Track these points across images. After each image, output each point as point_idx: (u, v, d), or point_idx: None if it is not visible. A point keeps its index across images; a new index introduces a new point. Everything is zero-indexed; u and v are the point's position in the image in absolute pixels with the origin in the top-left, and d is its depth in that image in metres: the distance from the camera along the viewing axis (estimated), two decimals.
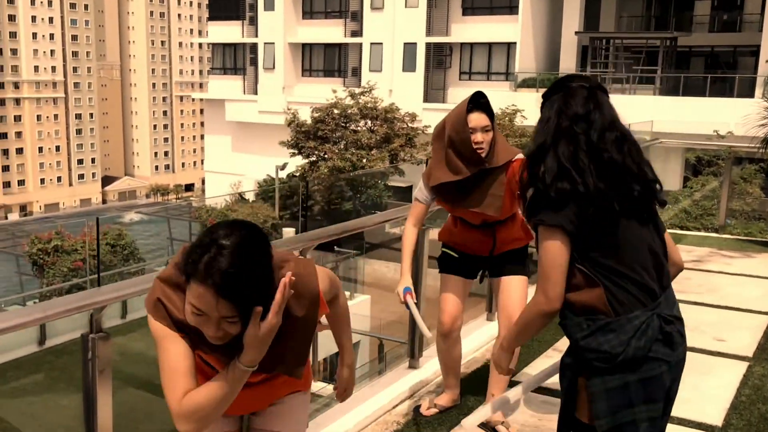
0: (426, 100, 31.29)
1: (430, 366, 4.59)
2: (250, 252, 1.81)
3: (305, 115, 26.27)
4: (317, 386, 10.62)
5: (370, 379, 5.04)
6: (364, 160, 24.65)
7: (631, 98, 27.34)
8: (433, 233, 4.43)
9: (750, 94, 26.16)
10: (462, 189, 3.49)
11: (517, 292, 3.71)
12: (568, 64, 29.96)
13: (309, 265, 2.10)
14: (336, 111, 25.58)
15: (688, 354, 4.72)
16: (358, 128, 25.55)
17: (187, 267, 1.84)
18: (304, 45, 36.29)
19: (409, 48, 31.81)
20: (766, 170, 19.09)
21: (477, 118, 3.39)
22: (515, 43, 29.67)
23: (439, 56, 31.91)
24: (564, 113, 2.25)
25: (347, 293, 14.45)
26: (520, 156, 3.49)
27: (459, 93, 30.55)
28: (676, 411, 3.98)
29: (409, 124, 25.72)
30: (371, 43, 33.14)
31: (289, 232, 16.90)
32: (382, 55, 32.58)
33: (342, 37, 34.78)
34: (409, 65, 31.82)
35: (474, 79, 31.31)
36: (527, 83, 28.63)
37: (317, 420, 3.90)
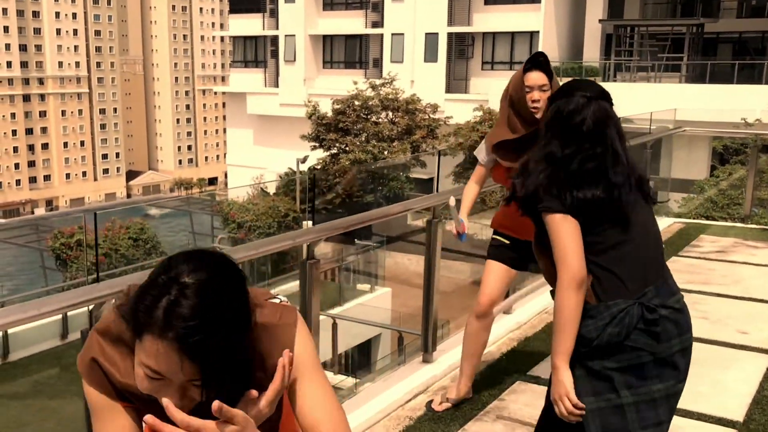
0: (448, 90, 31.12)
1: (445, 360, 4.55)
2: (221, 292, 1.36)
3: (326, 108, 26.25)
4: (336, 379, 10.65)
5: (385, 374, 5.01)
6: (386, 152, 24.58)
7: (656, 86, 27.00)
8: (450, 224, 4.37)
9: None
10: (518, 149, 3.43)
11: None
12: (591, 52, 29.65)
13: (289, 314, 1.60)
14: (357, 103, 25.52)
15: (710, 347, 4.65)
16: (380, 120, 25.47)
17: (137, 315, 1.36)
18: (324, 37, 36.26)
19: (431, 38, 31.65)
20: None
21: (534, 77, 3.40)
22: (538, 31, 29.42)
23: (461, 46, 31.72)
24: (557, 121, 2.34)
25: (368, 286, 14.43)
26: None
27: (481, 83, 30.38)
28: (696, 405, 3.92)
29: (431, 115, 25.60)
30: (392, 34, 33.01)
31: (309, 224, 16.98)
32: (404, 46, 32.45)
33: (363, 28, 34.67)
34: (430, 56, 31.66)
35: (497, 68, 31.10)
36: None
37: None
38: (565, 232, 2.20)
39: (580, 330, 2.20)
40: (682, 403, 3.93)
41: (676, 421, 3.76)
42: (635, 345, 2.19)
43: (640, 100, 20.44)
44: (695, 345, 4.69)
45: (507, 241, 3.71)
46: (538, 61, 3.43)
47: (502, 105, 3.61)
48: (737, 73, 27.85)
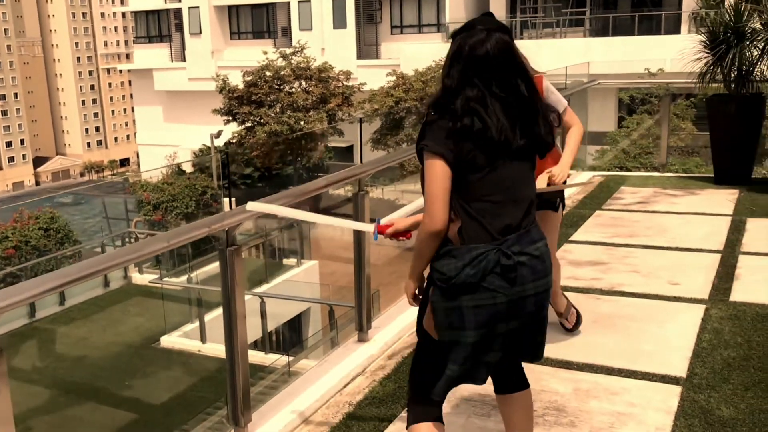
0: (359, 57, 30.66)
1: (380, 338, 4.33)
2: None
3: (237, 80, 25.45)
4: (269, 358, 10.36)
5: (320, 357, 4.75)
6: (302, 123, 24.05)
7: (562, 42, 27.27)
8: (383, 193, 4.10)
9: (676, 30, 26.34)
10: None
11: (545, 225, 3.66)
12: (497, 11, 29.63)
13: None
14: (268, 73, 24.81)
15: (645, 301, 4.56)
16: (293, 90, 24.86)
17: None
18: (230, 7, 35.14)
19: (338, 4, 31.04)
20: (697, 105, 19.25)
21: None
22: None
23: (369, 11, 31.24)
24: (456, 54, 2.37)
25: (294, 260, 14.10)
26: (539, 74, 3.57)
27: (392, 48, 30.06)
28: (639, 364, 3.83)
29: (345, 83, 25.16)
30: (299, 1, 32.23)
31: (227, 202, 16.41)
32: (311, 13, 31.73)
33: None
34: (339, 22, 31.07)
35: (406, 32, 30.80)
36: None
37: (262, 410, 3.60)
38: (436, 178, 2.30)
39: (442, 268, 2.33)
40: (627, 364, 3.87)
41: (622, 382, 3.67)
42: (490, 287, 2.31)
43: (548, 56, 20.57)
44: (632, 301, 4.67)
45: None
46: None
47: None
48: (637, 25, 28.40)
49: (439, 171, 2.29)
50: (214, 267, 12.62)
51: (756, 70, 7.06)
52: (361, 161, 4.59)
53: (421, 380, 2.56)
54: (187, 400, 9.59)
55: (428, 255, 2.38)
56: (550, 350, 3.86)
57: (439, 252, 2.36)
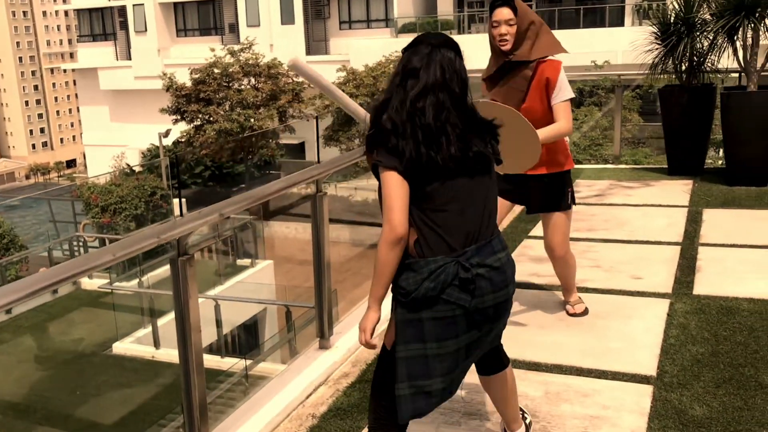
0: (309, 52, 30.35)
1: (343, 344, 4.15)
2: None
3: (185, 78, 24.91)
4: (226, 363, 10.09)
5: (279, 361, 4.55)
6: (252, 120, 23.65)
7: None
8: (336, 189, 3.92)
9: (620, 23, 26.68)
10: (495, 83, 3.76)
11: (558, 227, 3.97)
12: (445, 6, 29.64)
13: None
14: (216, 71, 24.35)
15: (609, 297, 4.47)
16: (242, 87, 24.45)
17: None
18: (176, 4, 34.46)
19: (286, 0, 30.65)
20: (643, 96, 19.46)
21: (499, 12, 3.60)
22: None
23: (317, 7, 30.93)
24: (401, 71, 2.38)
25: (248, 261, 13.80)
26: (555, 58, 3.70)
27: (341, 43, 29.81)
28: (608, 363, 3.73)
29: (295, 79, 24.82)
30: None
31: (178, 204, 15.99)
32: (259, 9, 31.27)
33: None
34: (287, 17, 30.69)
35: (355, 27, 30.60)
36: (408, 28, 28.16)
37: (221, 426, 3.39)
38: (392, 189, 2.28)
39: (401, 282, 2.35)
40: (596, 363, 3.77)
41: (592, 383, 3.56)
42: (449, 299, 2.31)
43: None
44: (596, 297, 4.57)
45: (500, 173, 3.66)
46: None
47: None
48: (582, 18, 28.67)
49: (395, 181, 2.29)
50: (165, 270, 12.28)
51: (707, 60, 7.06)
52: (318, 160, 4.40)
53: (384, 402, 2.54)
54: (142, 408, 9.27)
55: (390, 270, 2.33)
56: (519, 352, 3.75)
57: (403, 265, 2.35)
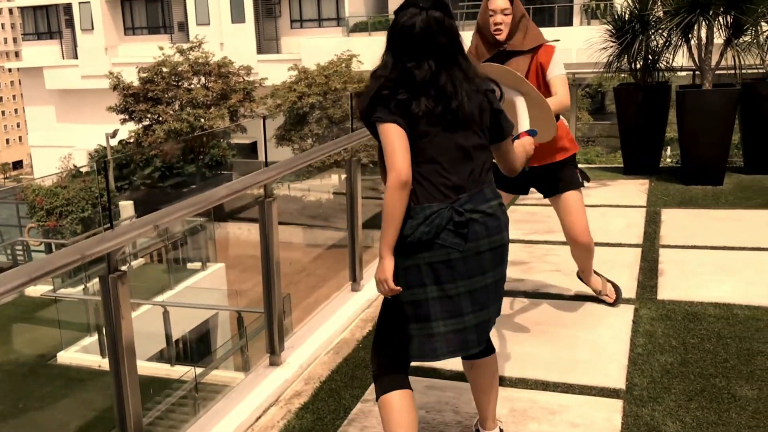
0: (260, 51, 29.82)
1: (295, 360, 3.86)
2: None
3: (133, 77, 24.18)
4: (175, 372, 9.67)
5: (230, 368, 4.25)
6: (202, 120, 23.08)
7: (462, 34, 27.24)
8: (290, 190, 3.67)
9: (569, 22, 26.80)
10: None
11: (575, 208, 3.90)
12: (396, 4, 29.33)
13: None
14: (165, 69, 23.69)
15: (573, 304, 4.25)
16: (192, 86, 23.84)
17: None
18: (123, 1, 33.54)
19: None
20: (592, 95, 19.52)
21: (495, 1, 3.54)
22: None
23: (268, 5, 30.42)
24: (391, 33, 2.46)
25: (199, 264, 13.36)
26: (552, 43, 3.68)
27: (293, 42, 29.36)
28: (576, 376, 3.49)
29: (245, 78, 24.32)
30: None
31: (126, 206, 15.42)
32: (209, 7, 30.61)
33: None
34: (237, 16, 30.10)
35: (306, 26, 30.19)
36: (359, 27, 27.85)
37: None
38: (393, 138, 2.34)
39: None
40: (563, 377, 3.53)
41: (560, 398, 3.32)
42: (444, 243, 2.38)
43: None
44: (559, 304, 4.35)
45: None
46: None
47: (473, 36, 3.73)
48: (531, 17, 28.64)
49: (395, 132, 2.35)
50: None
51: (661, 58, 6.94)
52: (266, 164, 4.07)
53: (387, 351, 2.58)
54: (89, 421, 8.82)
55: (400, 214, 2.38)
56: None
57: None
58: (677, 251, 5.08)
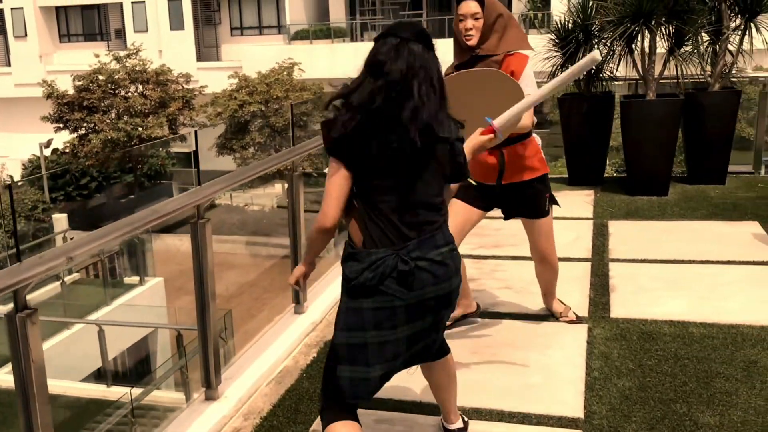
0: (199, 59, 29.18)
1: (233, 393, 3.55)
2: None
3: (68, 85, 23.29)
4: (112, 393, 9.15)
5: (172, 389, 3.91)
6: (140, 129, 22.36)
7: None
8: (232, 200, 3.35)
9: None
10: None
11: (544, 231, 3.78)
12: (337, 13, 29.14)
13: None
14: (101, 77, 22.88)
15: (525, 325, 4.05)
16: (129, 94, 23.09)
17: None
18: (58, 8, 32.42)
19: (175, 5, 29.35)
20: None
21: (465, 5, 3.38)
22: None
23: (207, 12, 29.80)
24: (368, 63, 2.33)
25: (136, 278, 12.81)
26: (524, 52, 3.46)
27: (233, 50, 28.81)
28: (531, 404, 3.26)
29: (185, 86, 23.68)
30: (132, 2, 30.20)
31: (60, 218, 14.73)
32: (146, 14, 29.81)
33: None
34: (176, 23, 29.38)
35: (246, 34, 29.68)
36: (300, 35, 27.48)
37: None
38: (334, 182, 2.31)
39: (345, 269, 2.38)
40: (519, 405, 3.25)
41: (518, 431, 3.12)
42: (387, 290, 2.32)
43: None
44: (511, 324, 4.12)
45: (474, 183, 3.48)
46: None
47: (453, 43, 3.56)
48: None
49: (339, 177, 2.30)
50: (47, 290, 11.19)
51: (605, 68, 6.85)
52: (199, 182, 3.72)
53: (332, 384, 2.50)
54: None
55: (318, 249, 2.48)
56: (430, 396, 3.26)
57: (345, 254, 2.40)
58: (627, 265, 4.94)
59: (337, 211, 2.32)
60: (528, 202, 3.71)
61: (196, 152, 3.68)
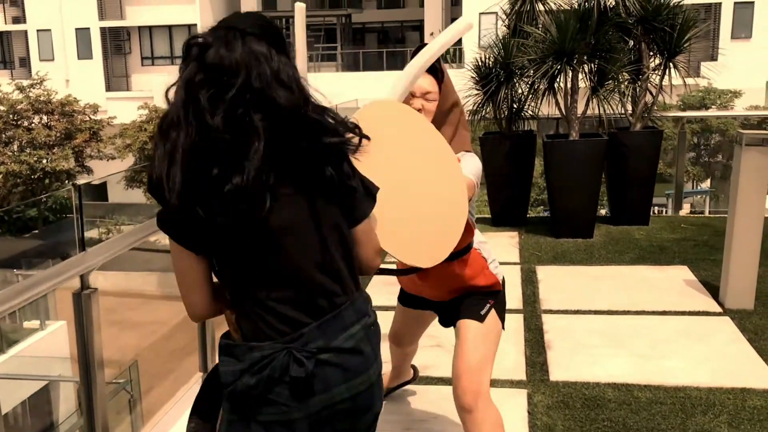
0: (108, 89, 27.99)
1: None
2: None
3: None
4: None
5: None
6: (44, 161, 21.05)
7: (316, 76, 26.87)
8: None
9: None
10: None
11: (470, 350, 2.63)
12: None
13: None
14: (2, 108, 21.51)
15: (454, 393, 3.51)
16: (33, 125, 21.76)
17: None
18: None
19: (82, 33, 28.13)
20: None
21: (418, 83, 2.44)
22: (196, 24, 27.59)
23: (116, 41, 28.69)
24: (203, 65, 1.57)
25: (37, 322, 11.72)
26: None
27: (143, 80, 27.80)
28: None
29: (92, 117, 22.53)
30: (38, 30, 28.78)
31: None
32: (53, 43, 28.43)
33: (3, 25, 29.78)
34: (84, 52, 28.14)
35: (158, 63, 28.70)
36: None
37: None
38: (178, 265, 1.59)
39: (220, 366, 1.64)
40: None
41: None
42: (278, 400, 1.58)
43: None
44: (445, 391, 3.66)
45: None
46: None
47: None
48: (385, 61, 28.92)
49: (183, 257, 1.57)
50: None
51: (527, 107, 6.60)
52: (84, 247, 3.10)
53: None
54: None
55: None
56: None
57: (219, 345, 1.66)
58: (561, 317, 4.59)
59: (199, 299, 1.63)
60: (471, 303, 2.68)
61: (81, 216, 3.07)
